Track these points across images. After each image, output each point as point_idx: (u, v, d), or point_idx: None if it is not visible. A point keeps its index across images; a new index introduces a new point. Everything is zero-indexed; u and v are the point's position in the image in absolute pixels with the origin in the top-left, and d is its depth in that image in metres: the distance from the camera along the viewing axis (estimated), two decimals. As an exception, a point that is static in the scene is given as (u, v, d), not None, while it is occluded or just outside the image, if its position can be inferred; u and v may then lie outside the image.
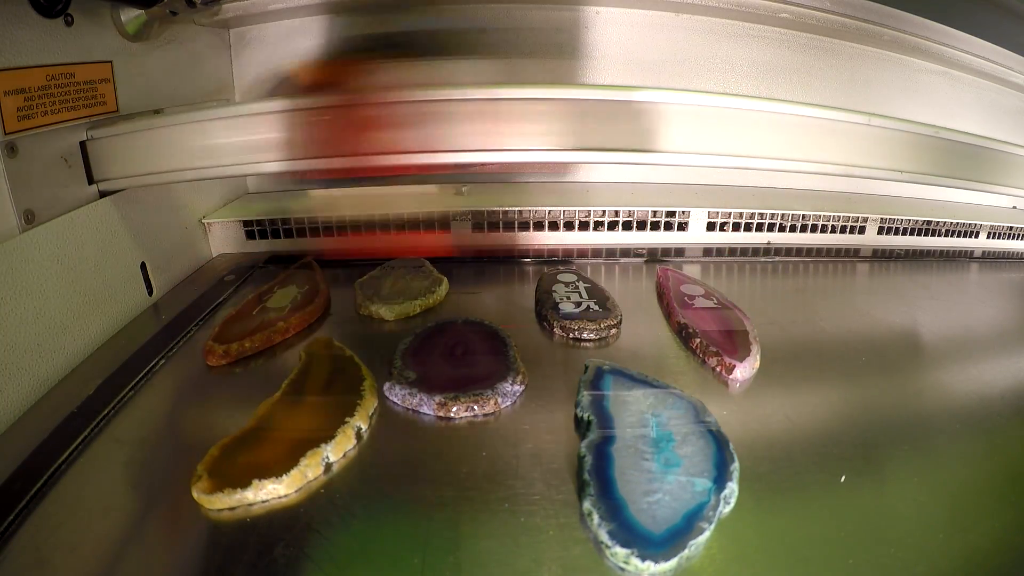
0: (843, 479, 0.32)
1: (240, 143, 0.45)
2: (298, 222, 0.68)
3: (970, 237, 0.80)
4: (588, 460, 0.31)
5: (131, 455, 0.34)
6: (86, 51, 0.45)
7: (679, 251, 0.70)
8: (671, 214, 0.71)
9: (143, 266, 0.53)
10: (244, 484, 0.29)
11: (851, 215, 0.74)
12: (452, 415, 0.36)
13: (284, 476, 0.30)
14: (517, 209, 0.69)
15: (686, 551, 0.26)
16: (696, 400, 0.36)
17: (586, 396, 0.36)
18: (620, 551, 0.26)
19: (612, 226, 0.71)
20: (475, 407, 0.36)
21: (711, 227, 0.72)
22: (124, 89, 0.50)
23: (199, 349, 0.44)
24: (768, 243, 0.73)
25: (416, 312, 0.51)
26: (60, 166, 0.44)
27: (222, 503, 0.29)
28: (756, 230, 0.73)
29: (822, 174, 0.49)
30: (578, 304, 0.49)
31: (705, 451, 0.31)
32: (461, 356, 0.42)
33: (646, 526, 0.27)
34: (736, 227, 0.73)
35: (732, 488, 0.29)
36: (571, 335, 0.47)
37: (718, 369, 0.42)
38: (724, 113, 0.45)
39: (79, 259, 0.45)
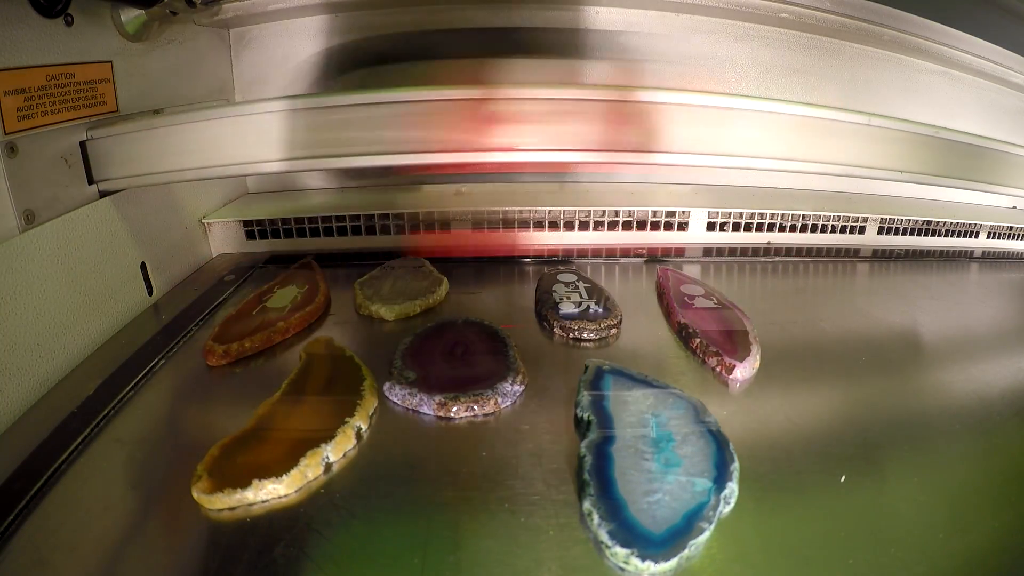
0: (843, 479, 0.32)
1: (240, 143, 0.45)
2: (298, 222, 0.68)
3: (970, 237, 0.80)
4: (588, 460, 0.31)
5: (131, 455, 0.34)
6: (86, 51, 0.45)
7: (679, 251, 0.70)
8: (671, 214, 0.71)
9: (143, 266, 0.53)
10: (244, 484, 0.29)
11: (851, 215, 0.74)
12: (452, 415, 0.36)
13: (284, 476, 0.30)
14: (517, 209, 0.69)
15: (686, 551, 0.26)
16: (696, 400, 0.36)
17: (586, 396, 0.36)
18: (620, 551, 0.26)
19: (612, 226, 0.71)
20: (475, 407, 0.36)
21: (711, 227, 0.72)
22: (124, 89, 0.50)
23: (199, 349, 0.44)
24: (768, 243, 0.73)
25: (416, 312, 0.51)
26: (60, 166, 0.44)
27: (222, 503, 0.29)
28: (756, 230, 0.73)
29: (822, 174, 0.49)
30: (578, 304, 0.49)
31: (705, 451, 0.31)
32: (461, 356, 0.42)
33: (646, 526, 0.27)
34: (736, 227, 0.73)
35: (732, 488, 0.29)
36: (571, 335, 0.47)
37: (718, 369, 0.42)
38: (724, 113, 0.45)
39: (79, 259, 0.45)
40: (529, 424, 0.36)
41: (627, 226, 0.71)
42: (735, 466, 0.30)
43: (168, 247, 0.58)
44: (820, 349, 0.47)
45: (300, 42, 0.72)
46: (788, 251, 0.71)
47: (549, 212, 0.69)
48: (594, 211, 0.70)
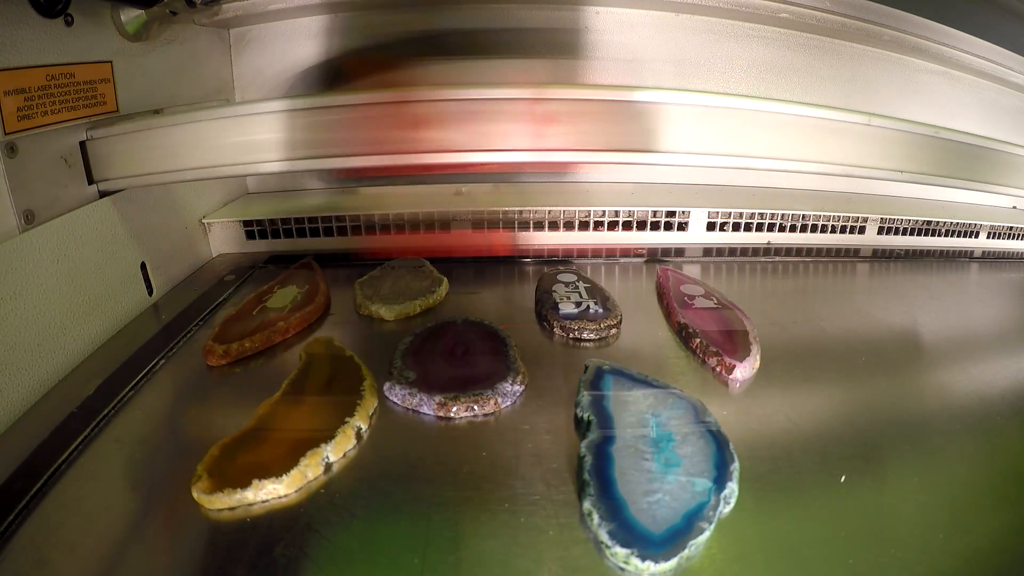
0: (843, 479, 0.32)
1: (240, 143, 0.45)
2: (298, 222, 0.68)
3: (970, 237, 0.80)
4: (588, 460, 0.31)
5: (131, 455, 0.34)
6: (86, 51, 0.45)
7: (679, 251, 0.70)
8: (671, 214, 0.71)
9: (143, 266, 0.53)
10: (244, 484, 0.29)
11: (851, 215, 0.74)
12: (452, 415, 0.36)
13: (284, 476, 0.30)
14: (517, 209, 0.69)
15: (686, 551, 0.26)
16: (696, 400, 0.36)
17: (586, 396, 0.36)
18: (620, 551, 0.26)
19: (612, 226, 0.71)
20: (475, 407, 0.36)
21: (711, 227, 0.72)
22: (124, 89, 0.50)
23: (199, 349, 0.44)
24: (768, 243, 0.73)
25: (416, 312, 0.51)
26: (60, 166, 0.44)
27: (222, 503, 0.29)
28: (756, 230, 0.73)
29: (822, 174, 0.49)
30: (578, 304, 0.49)
31: (705, 451, 0.31)
32: (461, 356, 0.42)
33: (646, 526, 0.27)
34: (736, 227, 0.73)
35: (732, 488, 0.29)
36: (571, 335, 0.47)
37: (718, 369, 0.42)
38: (724, 113, 0.45)
39: (79, 259, 0.45)
40: (529, 424, 0.36)
41: (627, 226, 0.71)
42: (735, 466, 0.30)
43: (168, 247, 0.58)
44: (820, 349, 0.47)
45: (300, 42, 0.72)
46: (788, 251, 0.71)
47: (549, 212, 0.69)
48: (594, 211, 0.70)
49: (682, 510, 0.28)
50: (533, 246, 0.70)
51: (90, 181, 0.47)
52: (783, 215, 0.73)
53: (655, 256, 0.67)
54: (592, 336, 0.46)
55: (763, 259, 0.69)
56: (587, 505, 0.28)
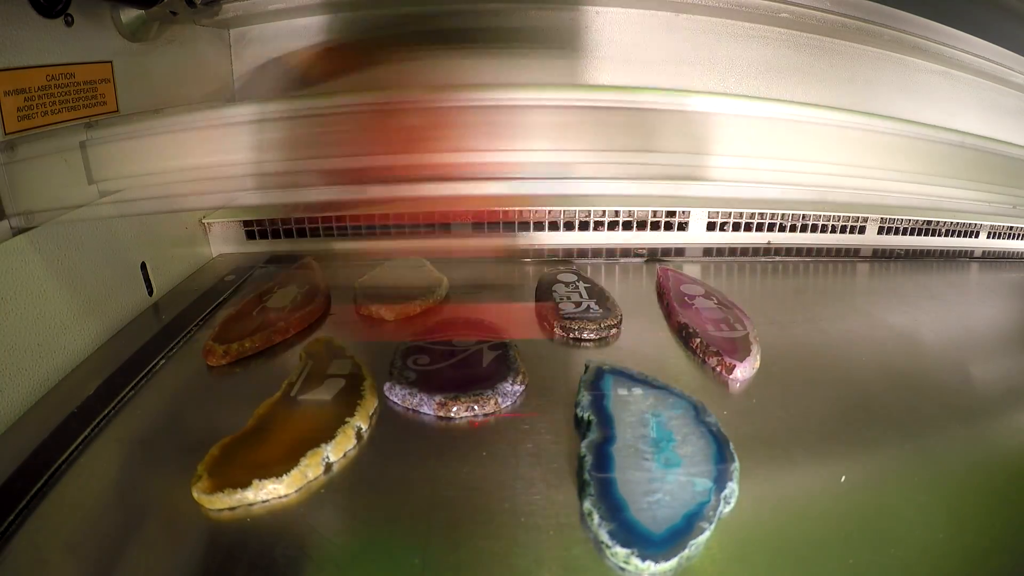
0: (843, 479, 0.32)
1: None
2: (298, 222, 0.68)
3: (970, 237, 0.80)
4: (588, 460, 0.31)
5: (131, 455, 0.34)
6: (86, 51, 0.45)
7: (679, 251, 0.70)
8: (671, 214, 0.71)
9: (143, 266, 0.53)
10: (244, 484, 0.29)
11: (851, 215, 0.74)
12: (452, 415, 0.36)
13: (284, 476, 0.30)
14: (517, 209, 0.69)
15: (686, 551, 0.26)
16: (696, 400, 0.36)
17: (586, 396, 0.36)
18: (620, 551, 0.26)
19: (612, 226, 0.71)
20: (475, 407, 0.36)
21: (711, 227, 0.72)
22: (124, 89, 0.50)
23: (199, 349, 0.44)
24: (768, 243, 0.73)
25: (416, 312, 0.51)
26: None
27: (222, 503, 0.29)
28: (756, 230, 0.73)
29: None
30: (578, 304, 0.49)
31: (705, 451, 0.31)
32: (461, 356, 0.42)
33: (646, 526, 0.27)
34: (736, 227, 0.73)
35: (732, 488, 0.29)
36: (571, 335, 0.47)
37: (718, 369, 0.42)
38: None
39: (79, 259, 0.45)
40: (529, 424, 0.36)
41: (627, 226, 0.71)
42: (735, 466, 0.30)
43: (168, 247, 0.58)
44: (820, 349, 0.47)
45: (300, 42, 0.71)
46: (788, 251, 0.71)
47: (549, 212, 0.69)
48: (594, 211, 0.70)
49: (682, 510, 0.28)
50: (533, 246, 0.70)
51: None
52: (783, 215, 0.73)
53: (655, 256, 0.67)
54: (592, 336, 0.46)
55: (763, 259, 0.69)
56: (587, 505, 0.28)
